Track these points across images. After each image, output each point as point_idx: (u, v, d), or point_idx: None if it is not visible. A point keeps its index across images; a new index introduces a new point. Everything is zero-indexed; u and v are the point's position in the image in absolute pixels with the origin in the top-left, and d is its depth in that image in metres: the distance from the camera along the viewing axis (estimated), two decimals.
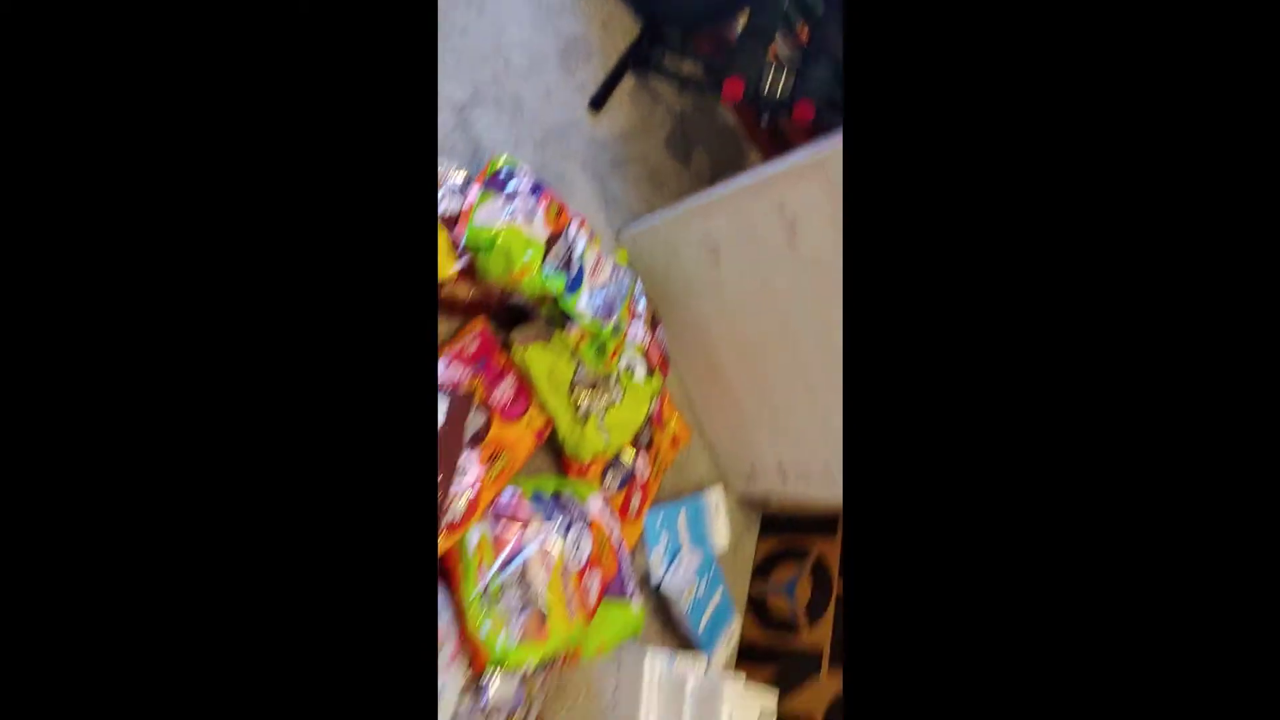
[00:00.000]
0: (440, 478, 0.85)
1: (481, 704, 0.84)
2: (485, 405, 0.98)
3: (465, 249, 0.90)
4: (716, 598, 1.26)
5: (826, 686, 1.27)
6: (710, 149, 1.69)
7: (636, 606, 1.04)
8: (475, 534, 0.91)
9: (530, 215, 0.99)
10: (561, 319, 1.02)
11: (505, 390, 1.02)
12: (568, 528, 0.99)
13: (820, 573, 1.37)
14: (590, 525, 1.02)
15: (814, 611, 1.35)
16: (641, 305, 1.21)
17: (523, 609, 0.89)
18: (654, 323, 1.25)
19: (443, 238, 0.87)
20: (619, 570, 1.04)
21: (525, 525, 0.95)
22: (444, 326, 1.03)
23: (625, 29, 1.50)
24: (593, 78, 1.43)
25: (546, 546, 0.95)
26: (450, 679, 0.82)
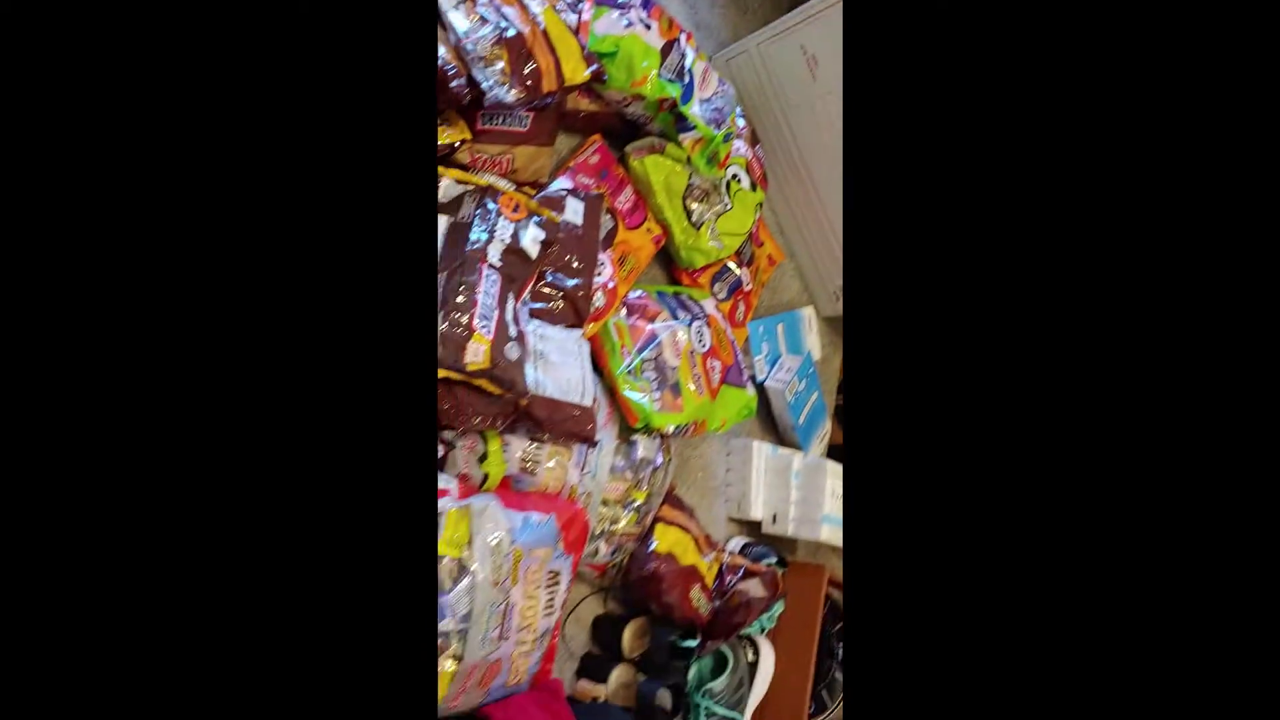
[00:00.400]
0: (581, 265, 0.95)
1: (633, 458, 0.98)
2: (611, 210, 1.07)
3: (591, 54, 0.95)
4: (813, 398, 1.37)
5: None
6: None
7: (751, 391, 1.16)
8: (614, 323, 1.02)
9: (646, 25, 1.03)
10: (675, 128, 1.08)
11: (626, 199, 1.10)
12: (690, 321, 1.09)
13: None
14: (708, 320, 1.12)
15: None
16: (741, 122, 1.26)
17: (660, 384, 1.01)
18: (754, 139, 1.30)
19: (573, 45, 0.93)
20: (735, 360, 1.15)
21: (654, 318, 1.06)
22: (565, 142, 1.10)
23: None
24: None
25: (675, 334, 1.05)
26: (606, 436, 0.95)
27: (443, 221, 0.84)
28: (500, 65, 0.84)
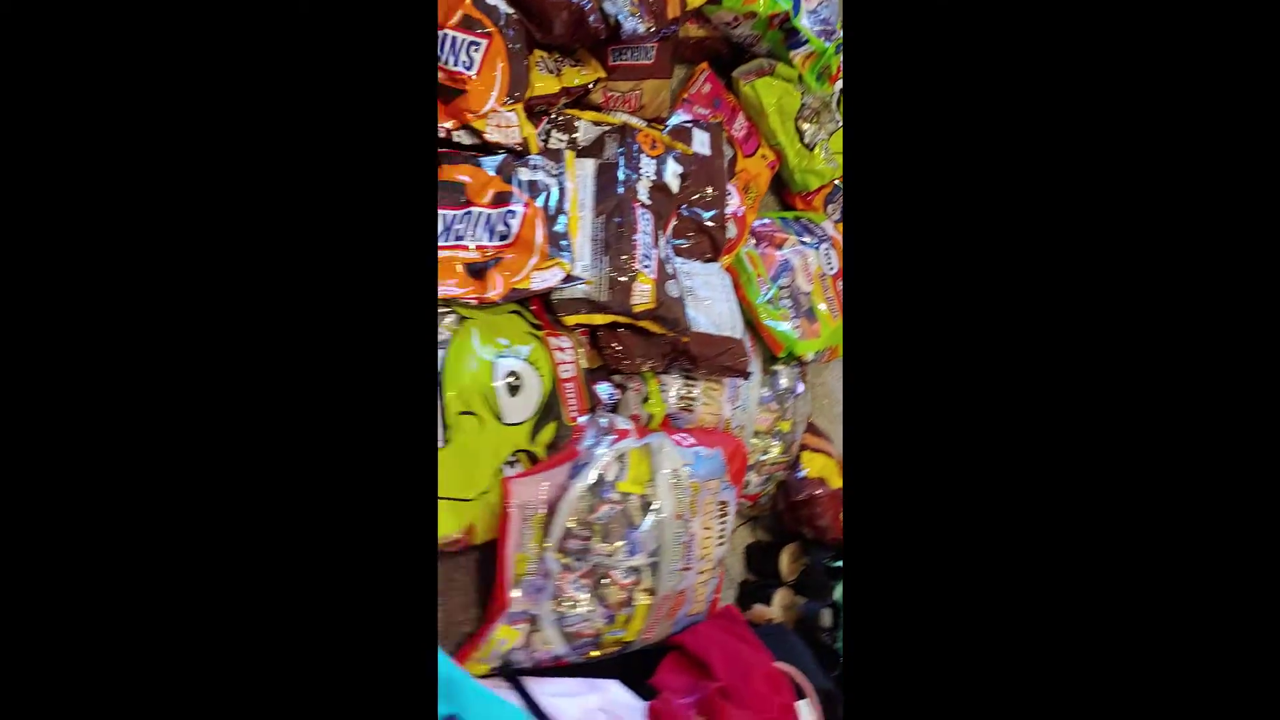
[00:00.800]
0: (715, 196, 0.94)
1: (777, 388, 0.99)
2: (730, 139, 1.04)
3: None
4: None
5: None
6: None
7: None
8: (746, 253, 1.01)
9: None
10: (785, 45, 1.04)
11: (740, 127, 1.08)
12: (817, 244, 1.07)
13: None
14: (833, 243, 1.10)
15: None
16: (842, 33, 1.21)
17: (797, 312, 1.01)
18: None
19: None
20: None
21: (782, 244, 1.05)
22: (663, 64, 1.07)
23: None
24: None
25: (805, 259, 1.04)
26: (753, 368, 0.95)
27: (589, 164, 0.82)
28: None
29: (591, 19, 0.80)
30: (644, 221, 0.80)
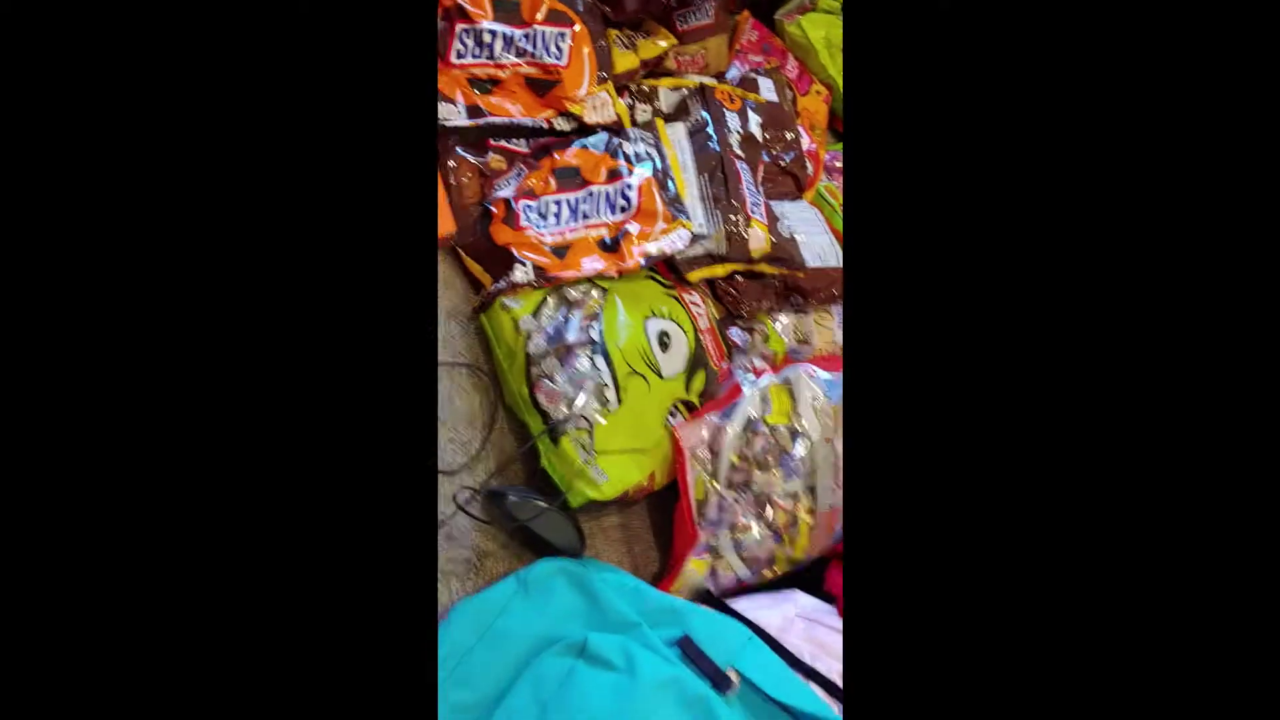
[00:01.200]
0: (792, 139, 0.98)
1: None
2: (788, 83, 1.08)
3: None
4: None
5: None
6: None
7: None
8: (824, 188, 1.05)
9: None
10: None
11: (791, 68, 1.11)
12: None
13: None
14: None
15: None
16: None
17: None
18: None
19: None
20: None
21: None
22: (722, 20, 1.10)
23: None
24: None
25: None
26: None
27: (680, 128, 0.87)
28: None
29: None
30: (745, 173, 0.85)
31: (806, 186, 1.02)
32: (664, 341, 0.79)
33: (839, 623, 0.83)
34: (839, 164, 1.09)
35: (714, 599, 0.82)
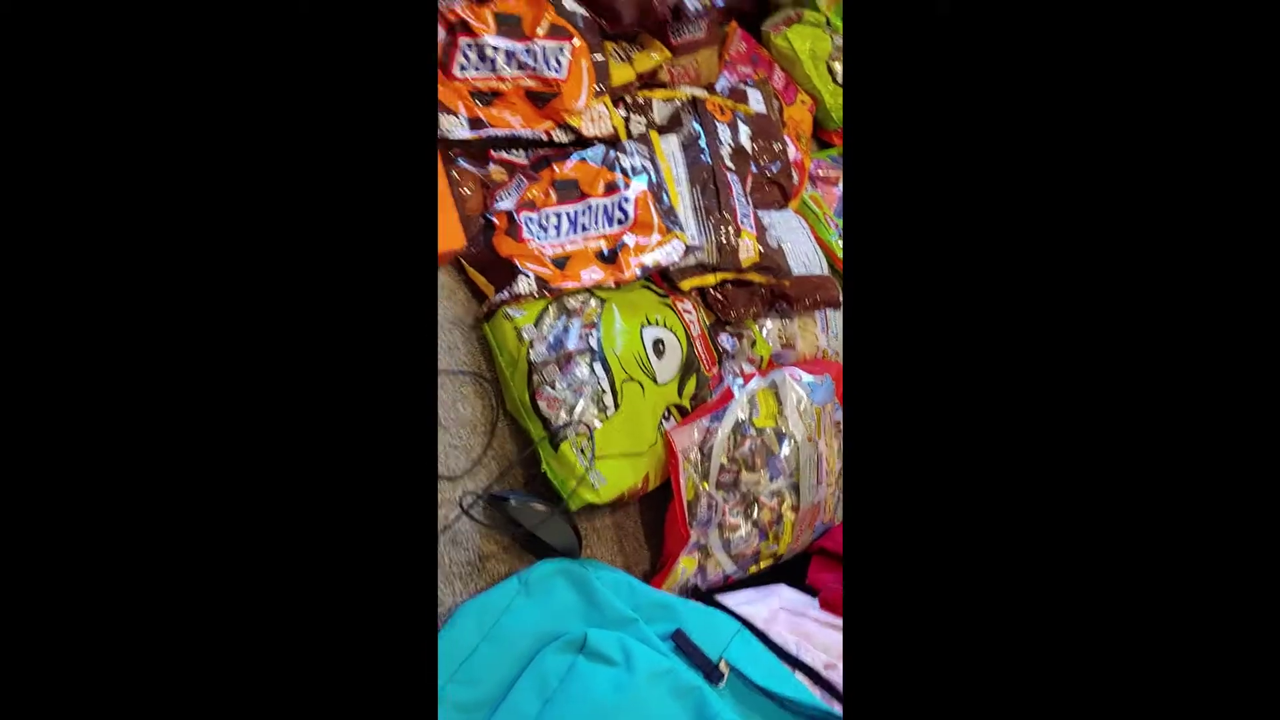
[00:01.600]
0: (779, 149, 1.01)
1: None
2: (775, 93, 1.11)
3: None
4: None
5: None
6: None
7: None
8: (809, 196, 1.09)
9: None
10: None
11: (778, 78, 1.14)
12: None
13: None
14: None
15: None
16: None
17: None
18: None
19: None
20: None
21: (838, 182, 1.12)
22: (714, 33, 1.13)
23: None
24: None
25: None
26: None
27: (674, 140, 0.90)
28: None
29: (657, 4, 0.86)
30: (735, 184, 0.88)
31: (792, 195, 1.05)
32: (659, 348, 0.82)
33: (821, 614, 0.88)
34: (823, 173, 1.13)
35: (704, 594, 0.86)
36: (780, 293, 0.93)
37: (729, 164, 0.90)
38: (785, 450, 0.90)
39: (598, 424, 0.75)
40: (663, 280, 0.89)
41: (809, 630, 0.83)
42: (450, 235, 0.67)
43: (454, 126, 0.79)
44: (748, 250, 0.86)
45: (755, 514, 0.90)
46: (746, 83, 1.03)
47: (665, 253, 0.81)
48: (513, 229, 0.78)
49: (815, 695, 0.72)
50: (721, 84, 1.05)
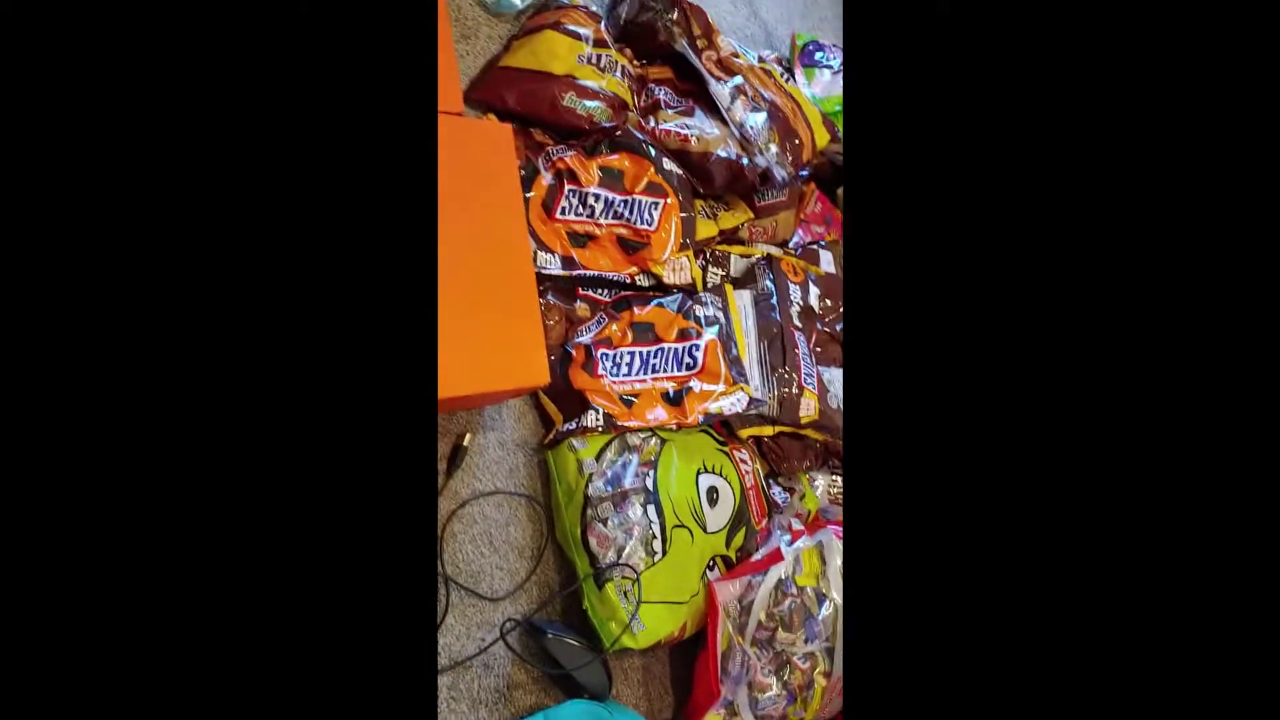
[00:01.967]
0: (843, 309, 1.05)
1: None
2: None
3: (826, 117, 1.05)
4: None
5: None
6: None
7: None
8: None
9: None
10: None
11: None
12: None
13: None
14: None
15: None
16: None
17: None
18: None
19: (815, 113, 1.02)
20: None
21: None
22: (794, 197, 1.19)
23: None
24: None
25: None
26: None
27: (746, 295, 0.94)
28: (774, 147, 0.94)
29: (747, 170, 0.93)
30: (801, 343, 0.91)
31: None
32: (712, 496, 0.83)
33: None
34: None
35: None
36: (835, 450, 0.95)
37: (797, 323, 0.93)
38: (824, 612, 0.89)
39: (643, 568, 0.76)
40: (722, 426, 0.91)
41: None
42: (537, 372, 0.71)
43: (549, 263, 0.84)
44: (808, 409, 0.88)
45: (787, 675, 0.88)
46: (820, 244, 1.09)
47: (730, 403, 0.83)
48: (589, 364, 0.82)
49: None
50: (794, 239, 1.11)
